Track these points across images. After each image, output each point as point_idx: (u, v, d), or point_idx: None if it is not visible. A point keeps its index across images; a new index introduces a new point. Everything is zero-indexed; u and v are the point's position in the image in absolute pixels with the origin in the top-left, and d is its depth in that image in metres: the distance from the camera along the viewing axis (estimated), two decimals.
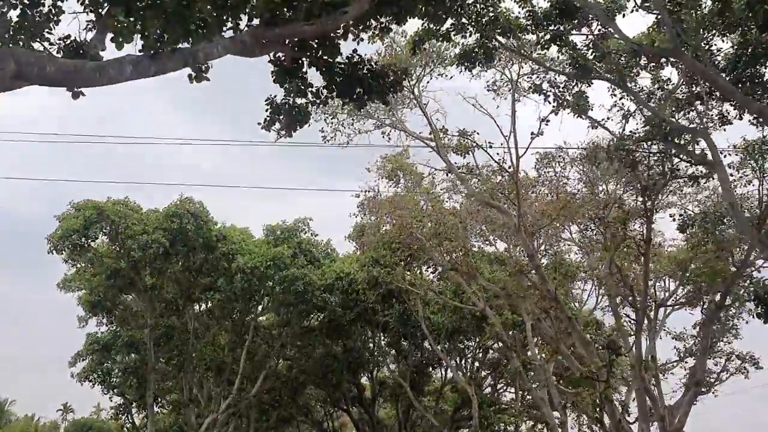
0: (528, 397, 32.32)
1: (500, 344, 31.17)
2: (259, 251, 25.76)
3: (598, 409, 15.93)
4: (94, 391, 30.37)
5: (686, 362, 23.59)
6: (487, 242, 22.37)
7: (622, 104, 15.94)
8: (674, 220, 18.11)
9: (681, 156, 15.41)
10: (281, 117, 10.95)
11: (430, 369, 37.15)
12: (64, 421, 69.51)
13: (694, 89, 15.07)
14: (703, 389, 18.57)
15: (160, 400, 30.49)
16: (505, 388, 35.79)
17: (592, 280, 24.48)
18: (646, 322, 18.86)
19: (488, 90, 16.48)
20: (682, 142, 14.10)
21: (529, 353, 24.78)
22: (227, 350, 30.50)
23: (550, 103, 14.91)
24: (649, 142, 15.68)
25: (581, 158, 18.71)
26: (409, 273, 28.78)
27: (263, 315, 30.95)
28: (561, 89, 15.00)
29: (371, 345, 36.82)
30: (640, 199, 17.38)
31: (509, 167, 16.24)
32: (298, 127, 11.32)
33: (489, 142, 16.04)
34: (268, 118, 10.86)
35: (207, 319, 31.73)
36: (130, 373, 28.52)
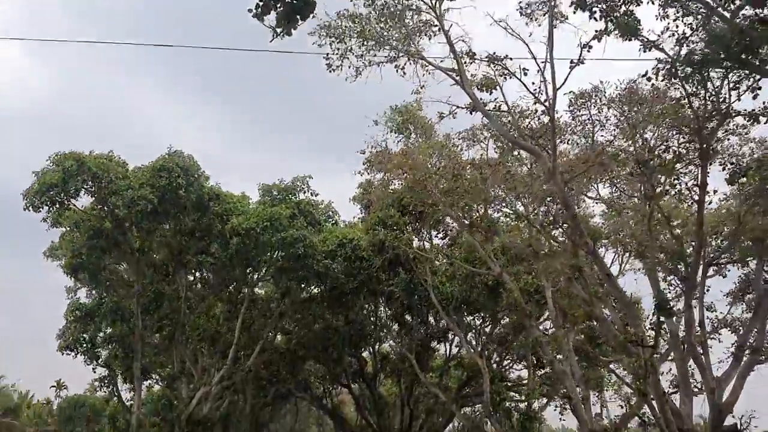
0: (540, 372, 30.22)
1: (513, 316, 29.00)
2: (254, 212, 23.40)
3: (641, 380, 13.71)
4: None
5: (719, 334, 21.42)
6: (504, 203, 19.95)
7: (676, 27, 13.48)
8: (724, 168, 15.80)
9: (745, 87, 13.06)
10: (278, 4, 8.54)
11: (435, 343, 34.96)
12: (57, 398, 67.61)
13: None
14: (761, 357, 16.34)
15: (150, 373, 28.27)
16: (511, 364, 33.60)
17: (616, 246, 22.19)
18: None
19: (521, 14, 14.03)
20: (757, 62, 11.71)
21: (550, 321, 22.53)
22: (222, 320, 28.27)
23: (596, 19, 12.52)
24: (707, 71, 13.30)
25: (621, 98, 16.33)
26: (417, 239, 26.49)
27: (260, 283, 28.60)
28: (608, 4, 12.58)
29: (374, 318, 34.61)
30: (689, 144, 15.07)
31: (545, 101, 13.84)
32: (298, 20, 8.91)
33: (523, 69, 13.59)
34: (261, 4, 8.45)
35: (201, 288, 29.47)
36: (115, 342, 26.23)
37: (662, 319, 14.17)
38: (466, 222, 20.07)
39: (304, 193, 24.14)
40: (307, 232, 23.46)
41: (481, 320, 30.03)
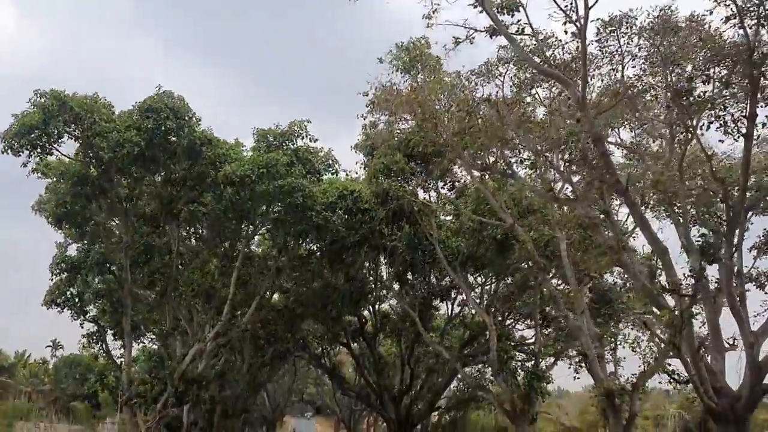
0: (546, 331, 29.01)
1: (520, 273, 27.63)
2: (249, 159, 21.71)
3: (675, 333, 12.33)
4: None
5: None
6: (521, 147, 18.21)
7: None
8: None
9: None
10: None
11: (438, 302, 33.70)
12: (53, 357, 66.78)
13: None
14: None
15: (143, 330, 26.92)
16: (514, 324, 32.34)
17: (640, 193, 20.65)
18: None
19: None
20: None
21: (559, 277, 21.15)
22: (217, 276, 26.83)
23: None
24: None
25: (654, 27, 14.60)
26: (422, 190, 24.92)
27: (256, 238, 27.07)
28: None
29: (375, 275, 33.25)
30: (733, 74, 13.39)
31: (575, 20, 12.11)
32: None
33: None
34: None
35: (195, 243, 27.95)
36: (103, 297, 24.81)
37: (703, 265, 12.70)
38: (479, 166, 18.40)
39: (303, 139, 22.42)
40: (306, 181, 21.81)
41: (486, 278, 28.61)
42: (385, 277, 34.02)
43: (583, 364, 19.90)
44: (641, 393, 19.46)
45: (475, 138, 15.48)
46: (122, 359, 24.42)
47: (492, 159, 16.41)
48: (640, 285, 14.07)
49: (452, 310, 35.32)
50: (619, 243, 13.99)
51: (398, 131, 19.93)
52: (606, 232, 15.54)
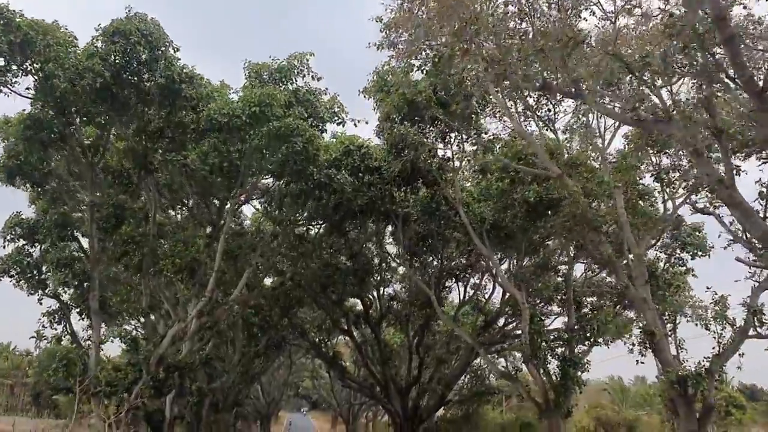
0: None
1: (550, 243, 23.79)
2: (239, 98, 17.74)
3: None
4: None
5: None
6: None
7: None
8: None
9: None
10: None
11: (452, 282, 29.83)
12: (37, 349, 62.24)
13: None
14: None
15: (114, 308, 22.83)
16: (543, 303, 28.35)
17: None
18: None
19: None
20: None
21: (626, 236, 17.21)
22: (202, 247, 22.88)
23: None
24: None
25: None
26: (442, 143, 20.97)
27: (247, 204, 23.11)
28: None
29: (381, 252, 29.31)
30: None
31: None
32: None
33: None
34: None
35: (176, 210, 23.95)
36: (65, 266, 20.79)
37: None
38: (523, 97, 14.48)
39: (304, 77, 18.40)
40: (308, 125, 17.85)
41: (512, 251, 24.71)
42: (393, 252, 30.16)
43: (646, 346, 16.08)
44: (716, 380, 15.63)
45: (533, 42, 11.52)
46: (89, 341, 20.38)
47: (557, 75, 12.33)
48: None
49: (465, 293, 31.54)
50: (731, 176, 10.11)
51: (424, 56, 15.85)
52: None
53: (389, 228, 26.75)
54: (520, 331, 31.49)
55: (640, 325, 17.15)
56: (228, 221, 19.52)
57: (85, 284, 20.28)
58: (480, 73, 14.10)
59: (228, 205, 20.21)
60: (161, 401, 26.94)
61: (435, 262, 27.82)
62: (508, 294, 28.92)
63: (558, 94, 13.77)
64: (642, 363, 20.12)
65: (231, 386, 39.28)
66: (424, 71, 16.83)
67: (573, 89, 11.52)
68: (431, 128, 19.22)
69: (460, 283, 30.39)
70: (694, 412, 14.82)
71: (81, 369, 20.33)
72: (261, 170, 19.02)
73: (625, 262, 16.96)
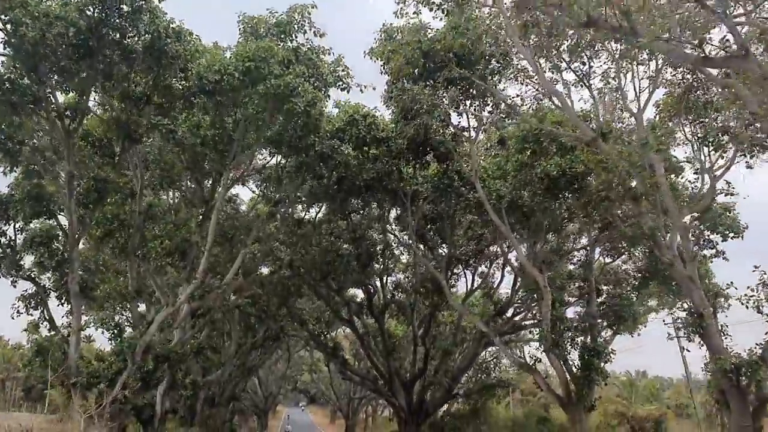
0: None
1: (570, 223, 21.85)
2: (233, 55, 15.72)
3: None
4: None
5: None
6: None
7: None
8: None
9: None
10: None
11: (461, 268, 27.88)
12: (29, 342, 60.24)
13: None
14: None
15: (97, 290, 20.80)
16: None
17: None
18: None
19: None
20: None
21: (668, 207, 15.25)
22: (194, 226, 20.95)
23: None
24: None
25: None
26: (456, 113, 18.98)
27: (242, 169, 21.02)
28: None
29: (384, 236, 27.34)
30: None
31: None
32: None
33: None
34: None
35: (165, 186, 21.90)
36: (40, 245, 18.74)
37: None
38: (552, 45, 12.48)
39: (305, 33, 16.38)
40: (310, 86, 15.83)
41: (530, 231, 22.74)
42: (396, 237, 28.18)
43: (693, 330, 14.11)
44: None
45: None
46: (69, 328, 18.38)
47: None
48: None
49: (473, 281, 29.63)
50: None
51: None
52: None
53: (393, 213, 24.87)
54: (530, 322, 29.79)
55: (686, 305, 15.20)
56: (221, 196, 17.51)
57: (65, 266, 18.28)
58: (504, 23, 12.18)
59: (222, 179, 18.16)
60: (152, 394, 25.13)
61: (443, 248, 25.89)
62: (519, 282, 27.13)
63: (604, 32, 11.77)
64: (688, 351, 18.39)
65: (227, 379, 37.33)
66: (444, 11, 14.73)
67: (624, 23, 9.56)
68: (445, 93, 17.22)
69: (468, 271, 28.50)
70: (748, 404, 12.95)
71: (61, 359, 18.38)
72: (257, 141, 17.00)
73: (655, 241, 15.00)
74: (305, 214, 28.13)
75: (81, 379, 16.05)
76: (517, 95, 17.73)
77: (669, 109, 17.52)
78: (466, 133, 18.23)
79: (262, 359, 43.33)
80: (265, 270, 30.31)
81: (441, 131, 17.90)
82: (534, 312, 30.16)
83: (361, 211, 23.84)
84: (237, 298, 31.72)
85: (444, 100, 17.15)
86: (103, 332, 21.89)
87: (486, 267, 30.25)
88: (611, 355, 19.84)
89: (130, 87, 16.98)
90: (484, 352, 33.12)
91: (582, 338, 20.71)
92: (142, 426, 25.46)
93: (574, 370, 19.69)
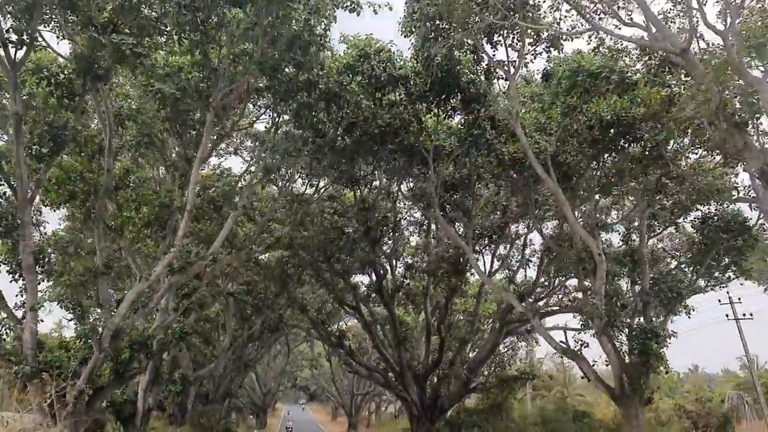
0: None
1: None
2: None
3: None
4: None
5: None
6: None
7: None
8: None
9: None
10: None
11: (485, 244, 24.36)
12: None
13: None
14: None
15: (56, 264, 17.25)
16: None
17: None
18: None
19: None
20: None
21: None
22: (177, 190, 17.50)
23: None
24: None
25: None
26: (489, 44, 15.48)
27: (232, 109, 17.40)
28: None
29: (394, 209, 23.88)
30: None
31: None
32: None
33: None
34: None
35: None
36: None
37: None
38: None
39: None
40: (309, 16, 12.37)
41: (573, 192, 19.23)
42: (405, 214, 24.76)
43: None
44: None
45: None
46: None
47: None
48: None
49: (492, 264, 26.17)
50: None
51: None
52: None
53: (404, 187, 21.44)
54: (558, 307, 26.40)
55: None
56: (205, 141, 14.01)
57: (15, 233, 14.76)
58: None
59: (207, 118, 14.53)
60: (134, 390, 21.73)
61: (460, 225, 22.44)
62: (545, 262, 23.75)
63: None
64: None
65: (222, 374, 33.92)
66: None
67: None
68: (478, 19, 13.73)
69: (489, 249, 25.05)
70: None
71: (13, 345, 14.89)
72: (246, 71, 13.48)
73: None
74: (305, 189, 24.79)
75: (23, 367, 12.54)
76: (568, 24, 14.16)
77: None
78: (505, 67, 14.69)
79: (259, 353, 39.88)
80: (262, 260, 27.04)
81: (472, 67, 14.44)
82: (560, 296, 26.86)
83: (373, 172, 20.32)
84: (231, 284, 28.34)
85: (474, 29, 13.67)
86: (49, 309, 18.36)
87: (506, 248, 26.87)
88: (671, 338, 16.47)
89: (92, 11, 13.50)
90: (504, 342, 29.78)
91: (632, 320, 17.30)
92: (122, 425, 22.03)
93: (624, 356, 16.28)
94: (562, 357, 43.24)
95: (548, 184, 14.42)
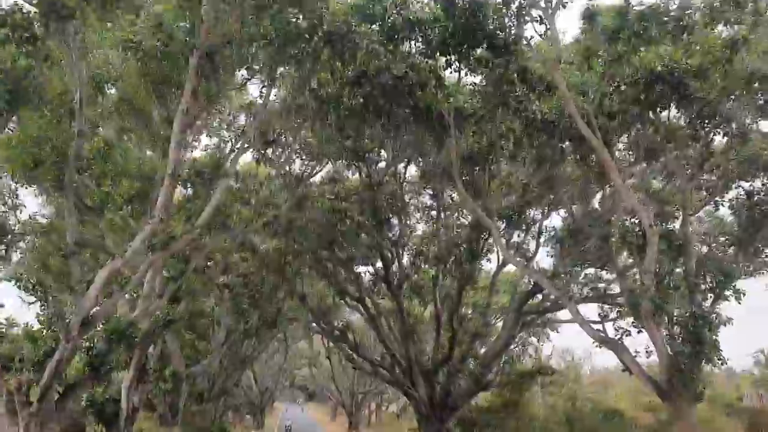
0: None
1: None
2: None
3: None
4: None
5: None
6: None
7: None
8: None
9: None
10: None
11: (503, 227, 22.04)
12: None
13: None
14: None
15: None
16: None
17: None
18: None
19: None
20: None
21: None
22: (160, 159, 15.22)
23: None
24: None
25: None
26: None
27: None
28: None
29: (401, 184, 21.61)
30: None
31: None
32: None
33: None
34: None
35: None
36: None
37: None
38: None
39: None
40: None
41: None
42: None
43: None
44: None
45: None
46: None
47: None
48: None
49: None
50: None
51: None
52: None
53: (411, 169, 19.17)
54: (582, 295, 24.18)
55: None
56: (188, 88, 11.72)
57: None
58: None
59: (189, 64, 12.19)
60: (118, 388, 19.42)
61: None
62: (567, 246, 21.45)
63: None
64: None
65: (218, 372, 31.61)
66: None
67: None
68: None
69: (505, 233, 22.75)
70: None
71: None
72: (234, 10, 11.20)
73: None
74: (304, 170, 22.59)
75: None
76: None
77: None
78: (537, 11, 12.44)
79: (256, 350, 37.54)
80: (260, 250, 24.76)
81: (500, 10, 12.23)
82: (580, 287, 24.58)
83: (380, 150, 18.08)
84: (226, 275, 26.12)
85: None
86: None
87: (519, 235, 24.58)
88: (726, 324, 14.28)
89: None
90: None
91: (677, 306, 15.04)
92: (105, 427, 19.68)
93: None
94: (571, 354, 41.06)
95: (592, 142, 12.17)
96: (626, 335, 14.07)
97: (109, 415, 19.31)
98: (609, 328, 14.90)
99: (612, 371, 45.84)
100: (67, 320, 12.28)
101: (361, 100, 13.14)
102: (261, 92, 14.77)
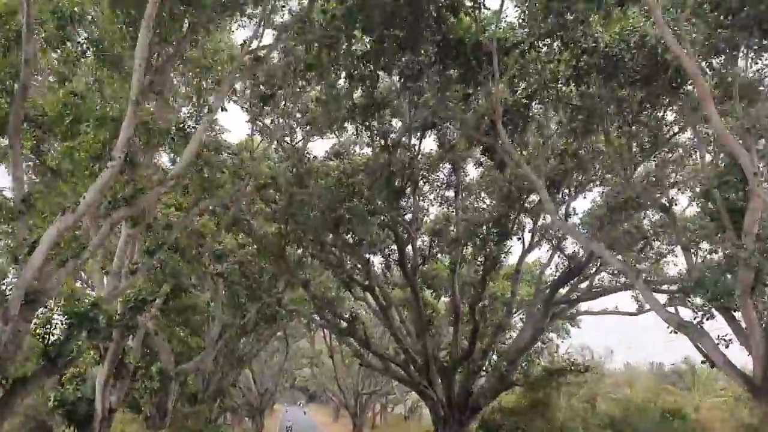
0: None
1: None
2: None
3: None
4: None
5: None
6: None
7: None
8: None
9: None
10: None
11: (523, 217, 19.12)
12: None
13: None
14: None
15: None
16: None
17: None
18: None
19: None
20: None
21: None
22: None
23: None
24: None
25: None
26: None
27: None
28: None
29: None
30: None
31: None
32: None
33: None
34: None
35: None
36: None
37: None
38: None
39: None
40: None
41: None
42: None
43: None
44: None
45: None
46: None
47: None
48: None
49: (533, 236, 21.01)
50: None
51: None
52: None
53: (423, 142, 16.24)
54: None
55: None
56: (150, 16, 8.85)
57: None
58: None
59: None
60: (92, 384, 16.57)
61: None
62: (606, 225, 18.52)
63: None
64: None
65: (213, 370, 28.69)
66: None
67: None
68: None
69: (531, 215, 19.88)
70: None
71: None
72: None
73: None
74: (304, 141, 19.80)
75: None
76: None
77: None
78: None
79: (255, 347, 34.63)
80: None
81: None
82: (612, 278, 21.67)
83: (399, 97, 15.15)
84: (220, 264, 23.21)
85: None
86: None
87: (545, 218, 21.66)
88: None
89: None
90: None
91: None
92: (77, 429, 16.81)
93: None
94: (592, 351, 37.88)
95: (690, 69, 9.22)
96: (708, 319, 11.15)
97: (81, 416, 16.52)
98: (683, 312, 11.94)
99: (623, 370, 42.76)
100: (6, 295, 9.43)
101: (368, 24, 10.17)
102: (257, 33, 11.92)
